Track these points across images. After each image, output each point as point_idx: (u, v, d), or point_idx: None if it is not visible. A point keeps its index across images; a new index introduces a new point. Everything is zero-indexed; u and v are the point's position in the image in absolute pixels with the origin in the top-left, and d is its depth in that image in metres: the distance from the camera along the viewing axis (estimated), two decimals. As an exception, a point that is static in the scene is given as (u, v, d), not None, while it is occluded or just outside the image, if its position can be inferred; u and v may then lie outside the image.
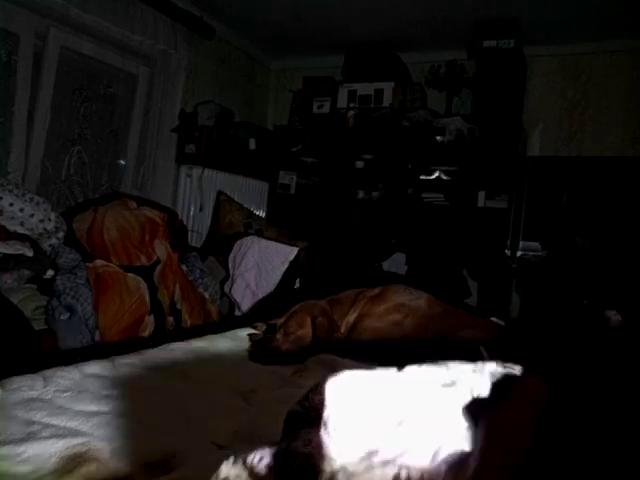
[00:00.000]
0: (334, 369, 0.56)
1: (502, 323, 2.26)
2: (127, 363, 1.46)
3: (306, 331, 1.74)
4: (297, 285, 3.19)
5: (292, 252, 3.16)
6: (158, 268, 3.12)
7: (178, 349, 1.66)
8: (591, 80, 4.61)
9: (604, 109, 4.51)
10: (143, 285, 2.95)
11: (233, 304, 3.36)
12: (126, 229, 3.07)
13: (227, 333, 1.93)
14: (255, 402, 1.29)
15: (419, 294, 1.87)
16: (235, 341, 1.86)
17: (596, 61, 4.57)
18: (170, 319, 3.11)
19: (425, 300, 1.84)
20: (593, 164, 4.23)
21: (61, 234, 2.96)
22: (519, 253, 4.80)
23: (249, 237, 3.42)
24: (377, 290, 1.89)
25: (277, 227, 4.28)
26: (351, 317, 1.84)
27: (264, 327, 2.04)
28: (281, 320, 1.81)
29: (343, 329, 1.83)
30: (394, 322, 1.78)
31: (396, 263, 3.86)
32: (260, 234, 4.00)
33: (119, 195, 3.59)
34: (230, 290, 3.31)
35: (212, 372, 1.45)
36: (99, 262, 2.88)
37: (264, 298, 3.16)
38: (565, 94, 4.72)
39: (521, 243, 4.89)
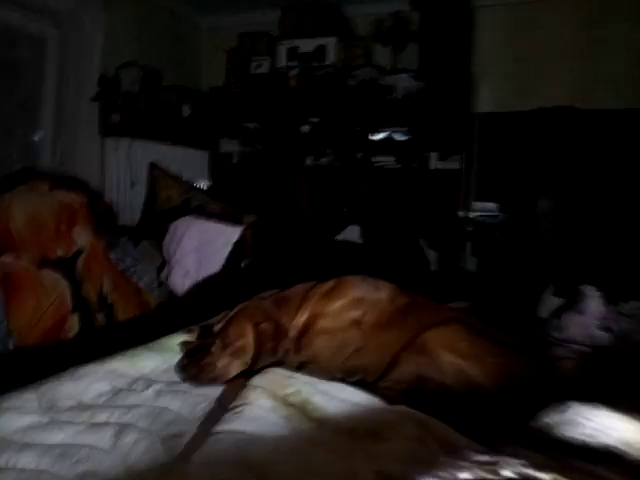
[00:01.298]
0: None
1: (466, 305, 2.06)
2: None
3: (247, 341, 1.46)
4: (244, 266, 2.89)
5: (234, 233, 2.84)
6: (80, 260, 2.72)
7: (86, 375, 1.34)
8: (539, 30, 4.39)
9: (554, 59, 4.31)
10: (63, 281, 2.56)
11: (172, 292, 3.02)
12: (37, 218, 2.64)
13: (153, 345, 1.62)
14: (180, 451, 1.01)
15: (379, 285, 1.62)
16: (163, 355, 1.56)
17: (545, 9, 4.34)
18: (100, 316, 2.74)
19: (386, 292, 1.59)
20: (545, 117, 4.05)
21: (-43, 228, 2.51)
22: (473, 215, 4.66)
23: (184, 218, 3.06)
24: (331, 283, 1.62)
25: (220, 202, 3.92)
26: (301, 318, 1.57)
27: (198, 331, 1.74)
28: (218, 326, 1.51)
29: (292, 333, 1.56)
30: (352, 321, 1.53)
31: (351, 235, 3.61)
32: (201, 210, 3.63)
33: (30, 175, 3.12)
34: (168, 279, 2.97)
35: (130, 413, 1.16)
36: (6, 259, 2.46)
37: (206, 281, 2.83)
38: (514, 45, 4.49)
39: (474, 204, 4.76)
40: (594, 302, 1.88)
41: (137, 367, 1.48)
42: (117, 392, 1.32)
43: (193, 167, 4.74)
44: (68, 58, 4.00)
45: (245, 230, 2.87)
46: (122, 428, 1.11)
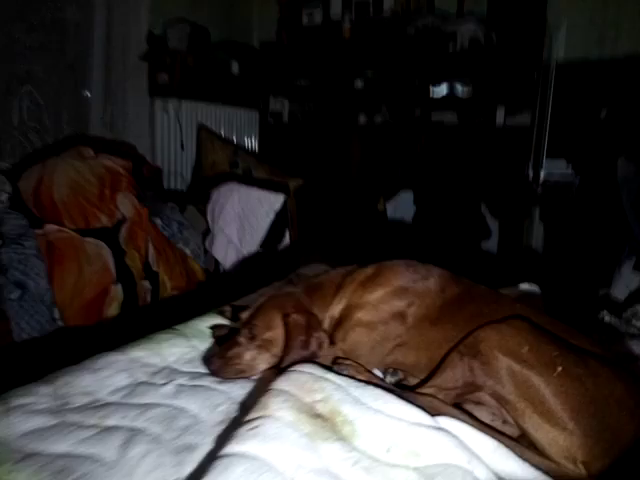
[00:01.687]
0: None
1: (535, 290, 1.81)
2: None
3: (276, 333, 1.32)
4: (287, 239, 2.75)
5: (277, 201, 2.68)
6: (124, 228, 2.68)
7: (107, 366, 1.26)
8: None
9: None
10: (106, 250, 2.53)
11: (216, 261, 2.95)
12: (80, 184, 2.60)
13: (183, 327, 1.52)
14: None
15: (427, 271, 1.41)
16: (191, 340, 1.45)
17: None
18: (145, 283, 2.71)
19: (435, 279, 1.38)
20: (630, 66, 3.55)
21: (4, 196, 2.51)
22: (543, 175, 4.26)
23: (227, 185, 2.93)
24: (370, 270, 1.43)
25: (268, 164, 3.76)
26: (336, 309, 1.40)
27: (230, 313, 1.62)
28: (245, 313, 1.38)
29: (327, 325, 1.40)
30: (394, 313, 1.34)
31: (403, 204, 3.37)
32: (248, 174, 3.50)
33: (75, 141, 3.08)
34: (211, 247, 2.88)
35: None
36: (50, 227, 2.45)
37: (249, 257, 2.72)
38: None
39: (545, 162, 4.34)
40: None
41: (163, 354, 1.38)
42: (136, 386, 1.22)
43: (242, 128, 4.60)
44: (116, 16, 3.90)
45: (289, 198, 2.70)
46: (132, 435, 1.01)
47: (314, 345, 1.32)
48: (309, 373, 1.17)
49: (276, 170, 3.55)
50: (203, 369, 1.32)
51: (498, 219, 3.34)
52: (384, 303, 1.35)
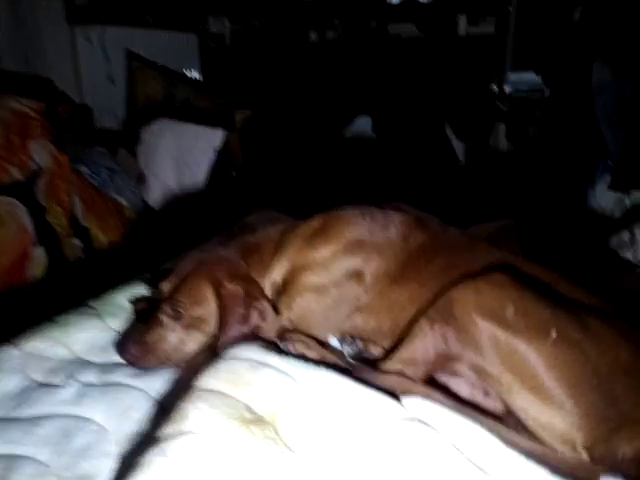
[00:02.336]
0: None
1: (508, 223, 1.59)
2: None
3: (208, 309, 1.06)
4: (231, 181, 2.43)
5: (216, 137, 2.34)
6: (41, 180, 2.31)
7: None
8: None
9: None
10: (20, 208, 2.18)
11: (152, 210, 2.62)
12: (-20, 133, 2.19)
13: (96, 303, 1.25)
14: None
15: (386, 218, 1.15)
16: (105, 320, 1.19)
17: None
18: (74, 241, 2.39)
19: (396, 227, 1.13)
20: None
21: None
22: (509, 89, 3.98)
23: (159, 121, 2.55)
24: (316, 222, 1.17)
25: (211, 95, 3.35)
26: (278, 272, 1.14)
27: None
28: (166, 285, 1.11)
29: (268, 292, 1.15)
30: (349, 273, 1.09)
31: (361, 130, 3.05)
32: (186, 108, 3.10)
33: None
34: (146, 195, 2.55)
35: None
36: (-52, 187, 2.07)
37: (188, 199, 2.40)
38: None
39: (511, 75, 4.05)
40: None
41: (69, 342, 1.11)
42: (28, 392, 0.96)
43: (180, 54, 4.10)
44: None
45: (233, 133, 2.36)
46: (10, 466, 0.77)
47: (255, 318, 1.07)
48: (246, 360, 0.94)
49: (220, 101, 3.15)
50: (118, 358, 1.07)
51: (463, 140, 3.08)
52: (336, 261, 1.10)
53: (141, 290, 1.32)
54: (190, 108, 3.10)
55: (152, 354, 1.04)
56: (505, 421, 0.90)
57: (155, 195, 2.50)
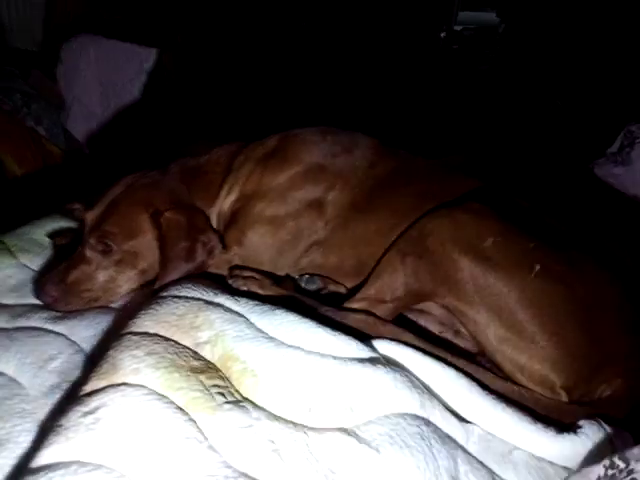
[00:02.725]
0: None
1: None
2: None
3: (143, 241, 0.91)
4: (166, 108, 2.18)
5: (149, 56, 2.07)
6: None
7: None
8: None
9: None
10: None
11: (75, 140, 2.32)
12: None
13: (7, 238, 1.05)
14: None
15: (351, 141, 1.02)
16: (18, 257, 1.00)
17: None
18: (-16, 175, 2.09)
19: (362, 151, 1.00)
20: None
21: None
22: (459, 28, 3.88)
23: (80, 37, 2.22)
24: (271, 143, 1.01)
25: (144, 6, 2.97)
26: (226, 201, 0.99)
27: (82, 210, 1.17)
28: (92, 214, 0.93)
29: (215, 223, 1.00)
30: (308, 202, 0.96)
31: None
32: (114, 21, 2.74)
33: None
34: (68, 122, 2.25)
35: None
36: None
37: (112, 126, 2.12)
38: None
39: (460, 14, 3.95)
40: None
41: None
42: None
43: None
44: None
45: (164, 52, 2.09)
46: None
47: (200, 252, 0.93)
48: (191, 299, 0.80)
49: (155, 14, 2.80)
50: (35, 300, 0.90)
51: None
52: (294, 189, 0.97)
53: (61, 223, 1.13)
54: (117, 22, 2.75)
55: (76, 295, 0.88)
56: (478, 361, 0.83)
57: (78, 123, 2.21)
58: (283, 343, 0.74)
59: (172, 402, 0.62)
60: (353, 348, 0.75)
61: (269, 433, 0.62)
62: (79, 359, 0.76)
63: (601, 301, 0.76)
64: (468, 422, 0.73)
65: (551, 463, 0.70)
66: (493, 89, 2.91)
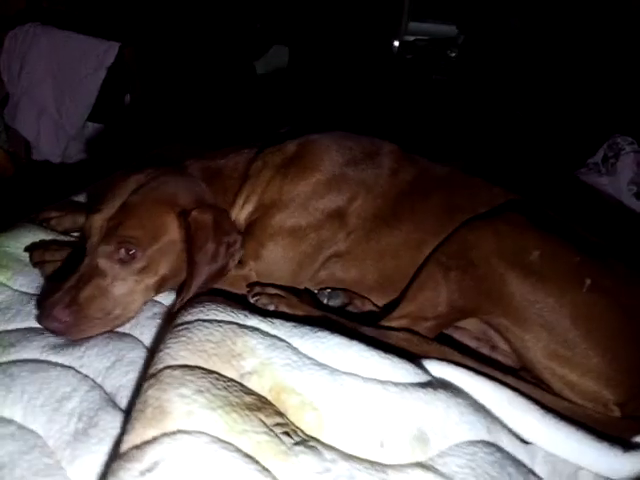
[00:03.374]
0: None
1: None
2: None
3: (168, 245, 0.80)
4: (127, 103, 2.02)
5: (110, 50, 1.90)
6: None
7: None
8: None
9: None
10: None
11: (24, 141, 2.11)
12: None
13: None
14: None
15: (373, 146, 0.96)
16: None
17: None
18: None
19: (386, 159, 0.95)
20: None
21: None
22: (411, 38, 3.92)
23: (28, 27, 2.01)
24: (290, 149, 0.93)
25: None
26: (243, 210, 0.91)
27: (62, 219, 1.04)
28: (100, 217, 0.81)
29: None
30: (331, 212, 0.90)
31: (276, 60, 2.75)
32: (56, 17, 2.52)
33: None
34: (14, 121, 2.03)
35: None
36: None
37: (70, 128, 1.93)
38: None
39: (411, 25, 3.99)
40: (629, 159, 1.40)
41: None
42: None
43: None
44: None
45: (126, 48, 1.93)
46: None
47: (224, 255, 0.83)
48: (223, 322, 0.71)
49: (103, 6, 2.61)
50: (24, 324, 0.77)
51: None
52: (316, 198, 0.89)
53: (39, 235, 0.99)
54: (70, 12, 2.53)
55: (92, 316, 0.76)
56: (524, 377, 0.81)
57: (27, 121, 1.99)
58: (337, 370, 0.67)
59: (239, 449, 0.53)
60: (410, 372, 0.70)
61: (350, 477, 0.55)
62: (98, 397, 0.65)
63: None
64: (529, 443, 0.69)
65: (615, 482, 0.68)
66: (449, 99, 2.97)
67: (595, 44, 2.16)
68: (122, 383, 0.68)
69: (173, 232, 0.80)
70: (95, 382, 0.68)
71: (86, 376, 0.69)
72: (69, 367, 0.70)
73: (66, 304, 0.73)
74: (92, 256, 0.78)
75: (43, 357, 0.71)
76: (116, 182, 0.84)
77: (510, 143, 2.17)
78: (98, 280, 0.76)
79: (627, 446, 0.69)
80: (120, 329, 0.80)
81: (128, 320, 0.79)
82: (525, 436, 0.69)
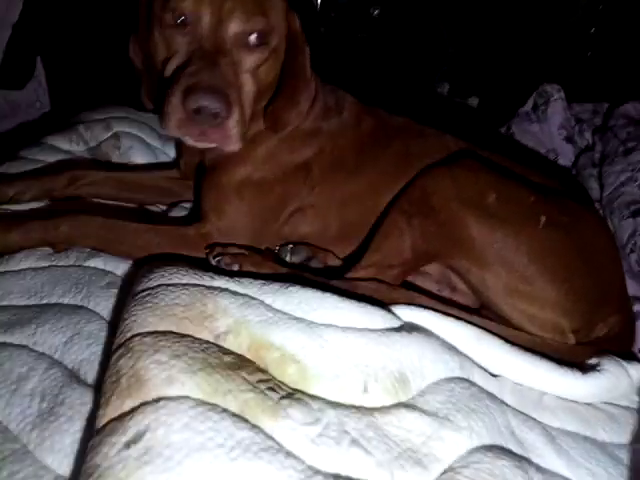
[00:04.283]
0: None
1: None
2: None
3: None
4: (40, 71, 1.82)
5: (14, 8, 1.68)
6: None
7: None
8: None
9: None
10: None
11: None
12: None
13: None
14: None
15: (338, 98, 0.92)
16: None
17: None
18: None
19: (350, 109, 0.92)
20: None
21: None
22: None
23: None
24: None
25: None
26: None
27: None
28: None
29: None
30: (298, 166, 0.86)
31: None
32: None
33: None
34: None
35: None
36: None
37: None
38: None
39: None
40: (557, 106, 1.46)
41: None
42: None
43: None
44: None
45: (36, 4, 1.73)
46: None
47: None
48: (188, 285, 0.68)
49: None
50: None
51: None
52: (286, 152, 0.86)
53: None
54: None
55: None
56: (486, 315, 0.84)
57: None
58: (313, 322, 0.66)
59: (226, 409, 0.51)
60: (385, 319, 0.70)
61: (339, 424, 0.55)
62: (60, 374, 0.60)
63: (598, 244, 0.81)
64: (497, 376, 0.73)
65: (575, 402, 0.73)
66: (374, 55, 2.95)
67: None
68: (84, 357, 0.63)
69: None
70: (53, 358, 0.63)
71: (42, 354, 0.63)
72: (21, 346, 0.64)
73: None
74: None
75: (-3, 338, 0.64)
76: None
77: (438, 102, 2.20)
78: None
79: (583, 369, 0.74)
80: (71, 301, 0.74)
81: None
82: (494, 369, 0.73)
